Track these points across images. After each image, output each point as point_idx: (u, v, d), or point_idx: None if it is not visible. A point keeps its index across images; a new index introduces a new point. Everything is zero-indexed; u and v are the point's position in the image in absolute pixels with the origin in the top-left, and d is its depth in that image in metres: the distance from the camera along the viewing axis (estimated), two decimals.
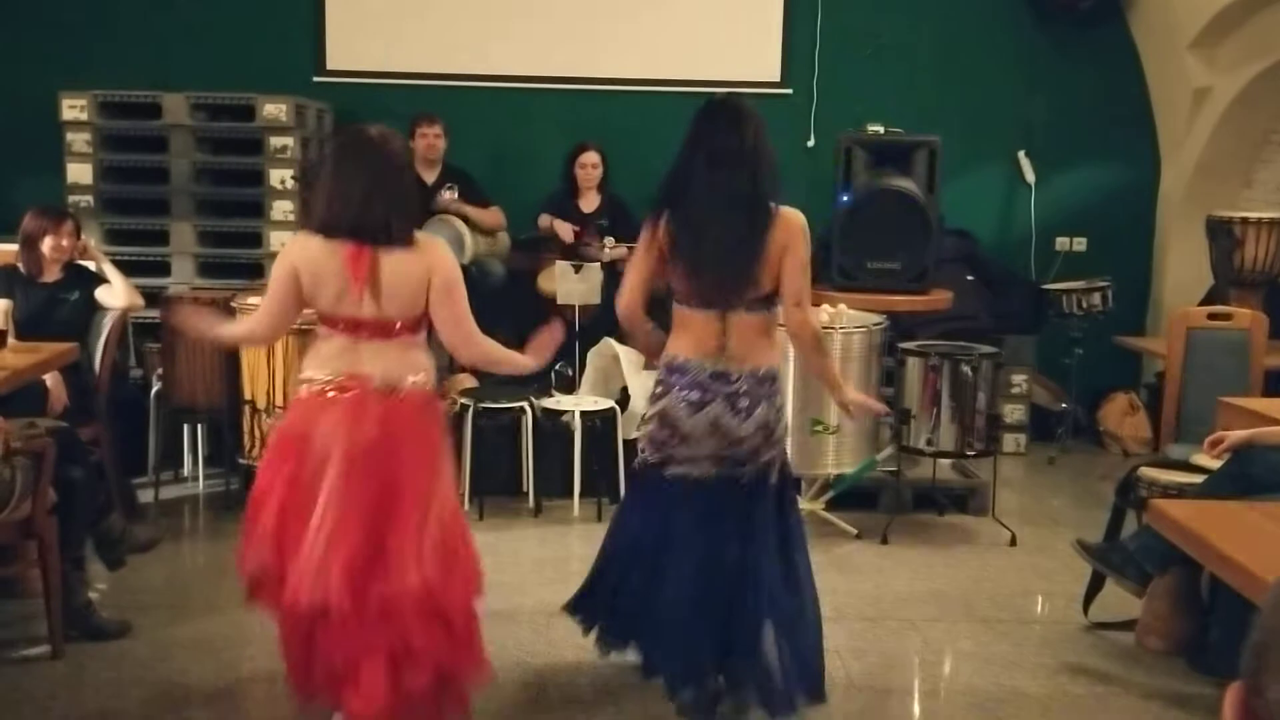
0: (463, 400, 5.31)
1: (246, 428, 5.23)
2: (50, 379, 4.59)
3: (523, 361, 3.28)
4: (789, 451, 3.54)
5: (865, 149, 5.95)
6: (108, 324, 4.97)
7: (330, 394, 3.06)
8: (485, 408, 5.28)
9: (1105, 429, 6.86)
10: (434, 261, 3.07)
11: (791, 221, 3.24)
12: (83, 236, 5.11)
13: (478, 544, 3.27)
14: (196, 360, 5.42)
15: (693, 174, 3.25)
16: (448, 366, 5.28)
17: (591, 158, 6.42)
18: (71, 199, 6.21)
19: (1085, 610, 4.25)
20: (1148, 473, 4.25)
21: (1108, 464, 6.39)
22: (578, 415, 5.32)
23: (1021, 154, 7.22)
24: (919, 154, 5.89)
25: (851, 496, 5.35)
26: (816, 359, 3.44)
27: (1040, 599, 4.58)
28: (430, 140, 6.30)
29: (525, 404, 5.34)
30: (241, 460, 5.29)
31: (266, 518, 3.06)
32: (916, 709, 3.69)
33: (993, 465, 5.35)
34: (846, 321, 5.15)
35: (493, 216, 6.41)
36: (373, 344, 3.06)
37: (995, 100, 7.14)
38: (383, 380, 3.06)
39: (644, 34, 7.09)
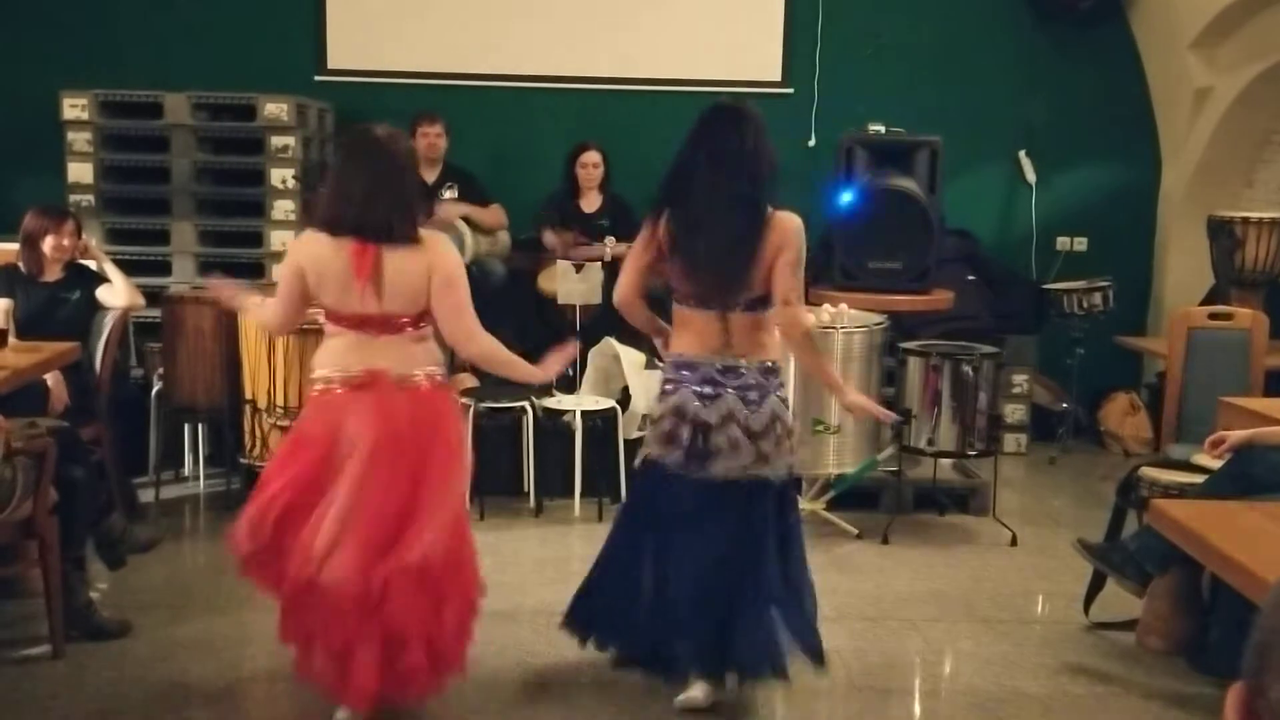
0: (464, 400, 5.30)
1: (247, 427, 5.23)
2: (51, 378, 4.59)
3: (529, 371, 3.36)
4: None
5: (866, 149, 5.95)
6: (109, 323, 4.97)
7: (349, 389, 3.14)
8: (486, 407, 5.28)
9: (1106, 429, 6.86)
10: (435, 258, 3.14)
11: (786, 225, 3.29)
12: (84, 236, 5.11)
13: (478, 544, 3.35)
14: (197, 360, 5.42)
15: (693, 175, 3.30)
16: (448, 365, 5.27)
17: (592, 157, 6.42)
18: (72, 198, 6.21)
19: (1086, 610, 4.24)
20: (1148, 473, 4.25)
21: (1108, 464, 6.39)
22: (578, 415, 5.33)
23: (1022, 154, 7.22)
24: (920, 154, 5.89)
25: (852, 496, 5.35)
26: (808, 357, 3.53)
27: (1041, 599, 4.58)
28: (431, 139, 6.30)
29: (526, 404, 5.34)
30: (242, 460, 5.29)
31: (274, 499, 3.13)
32: (917, 709, 3.69)
33: (993, 465, 5.35)
34: (848, 321, 5.15)
35: (493, 215, 6.41)
36: (383, 339, 3.14)
37: (996, 100, 7.14)
38: (397, 374, 3.15)
39: (645, 33, 7.09)
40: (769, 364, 3.37)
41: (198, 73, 6.62)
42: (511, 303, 6.18)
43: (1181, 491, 3.95)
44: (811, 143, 7.04)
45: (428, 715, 3.41)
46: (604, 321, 5.53)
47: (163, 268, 6.28)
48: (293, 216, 6.27)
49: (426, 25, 7.05)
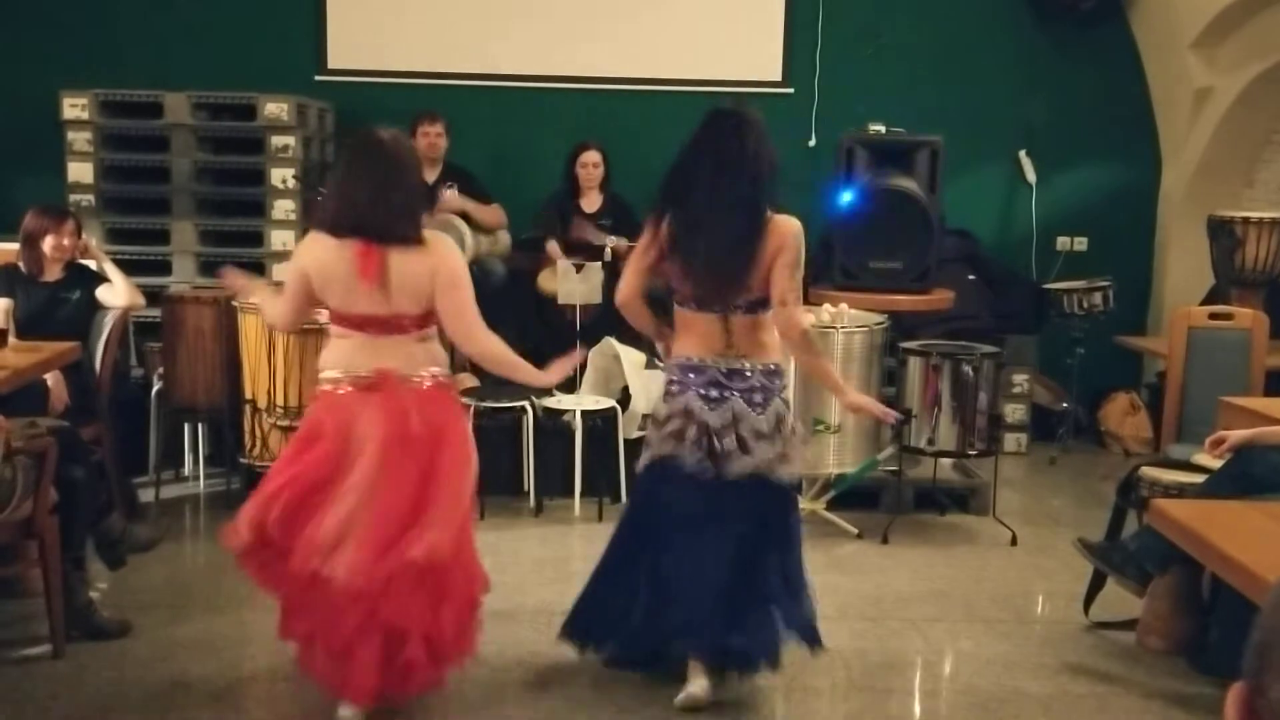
0: (464, 399, 5.30)
1: (247, 427, 5.23)
2: (51, 378, 4.59)
3: (532, 374, 3.39)
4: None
5: (867, 148, 5.95)
6: (109, 323, 4.97)
7: (358, 390, 3.18)
8: (486, 407, 5.28)
9: (1106, 429, 6.86)
10: (440, 259, 3.20)
11: (785, 229, 3.33)
12: (84, 235, 5.11)
13: (479, 543, 3.39)
14: (197, 360, 5.42)
15: (694, 177, 3.33)
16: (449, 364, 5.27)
17: (592, 157, 6.41)
18: (72, 198, 6.21)
19: (1086, 610, 4.24)
20: (1149, 472, 4.25)
21: (1109, 464, 6.39)
22: (579, 415, 5.32)
23: (1022, 154, 7.21)
24: (921, 154, 5.89)
25: (852, 496, 5.35)
26: (806, 357, 3.57)
27: (1041, 599, 4.58)
28: (432, 139, 6.30)
29: (526, 403, 5.34)
30: (242, 460, 5.29)
31: (277, 494, 3.16)
32: (917, 709, 3.69)
33: (994, 465, 5.35)
34: (848, 321, 5.15)
35: (493, 215, 6.40)
36: (389, 339, 3.19)
37: (996, 100, 7.14)
38: (403, 374, 3.20)
39: (646, 33, 7.08)
40: (772, 366, 3.41)
41: (198, 72, 6.62)
42: (511, 303, 6.18)
43: (1181, 491, 3.95)
44: (812, 142, 7.04)
45: (428, 714, 3.41)
46: (604, 321, 5.53)
47: (163, 267, 6.28)
48: (293, 216, 6.28)
49: (427, 25, 7.04)
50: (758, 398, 3.37)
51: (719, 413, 3.35)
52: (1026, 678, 3.78)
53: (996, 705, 3.58)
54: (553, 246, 6.33)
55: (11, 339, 4.49)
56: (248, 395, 5.18)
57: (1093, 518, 4.93)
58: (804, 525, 3.71)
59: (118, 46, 6.87)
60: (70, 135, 6.25)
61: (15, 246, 4.92)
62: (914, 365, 5.10)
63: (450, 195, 6.25)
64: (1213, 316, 5.34)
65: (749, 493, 3.36)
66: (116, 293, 4.97)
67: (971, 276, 6.79)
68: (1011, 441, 6.52)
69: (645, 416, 5.12)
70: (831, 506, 5.30)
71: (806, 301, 3.95)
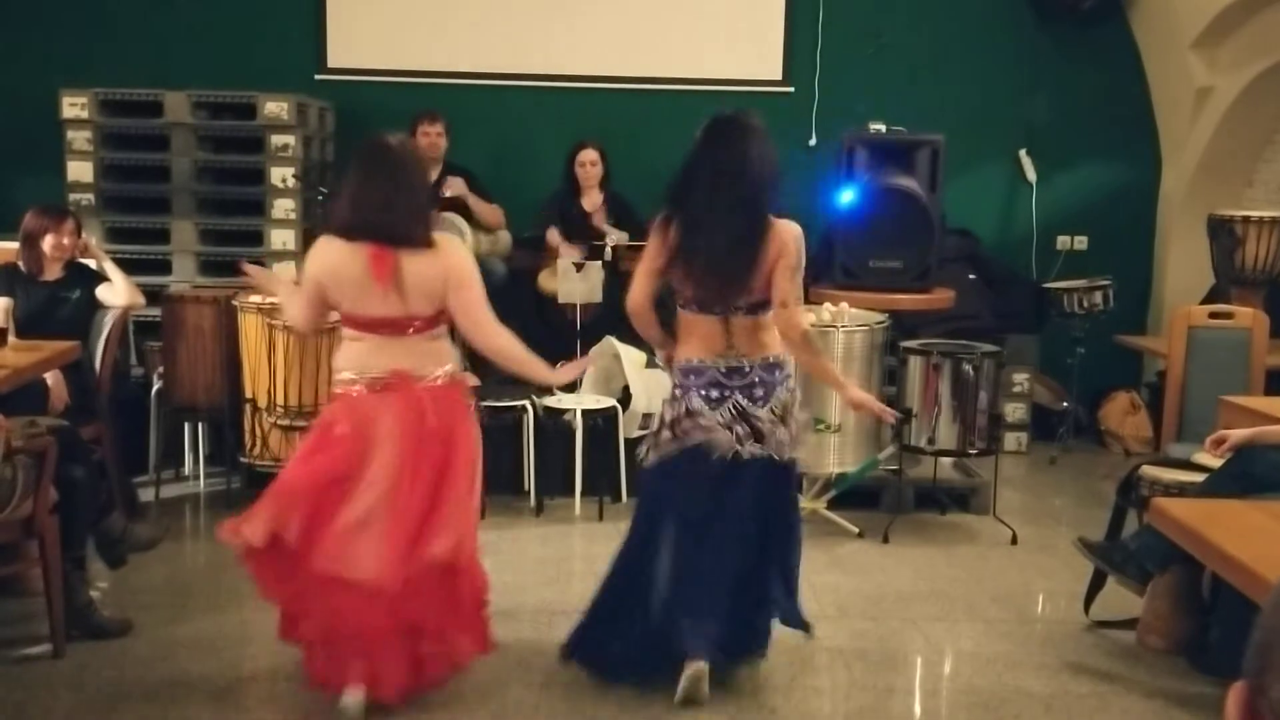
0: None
1: (247, 426, 5.23)
2: (51, 378, 4.59)
3: (543, 371, 3.46)
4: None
5: (867, 148, 5.95)
6: (109, 322, 4.97)
7: (374, 391, 3.24)
8: (487, 406, 5.28)
9: (1106, 428, 6.86)
10: (450, 260, 3.31)
11: (785, 233, 3.39)
12: (84, 235, 5.11)
13: (479, 542, 3.44)
14: (197, 359, 5.42)
15: (697, 182, 3.39)
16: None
17: (590, 155, 6.41)
18: (72, 197, 6.21)
19: (1086, 609, 4.24)
20: (1149, 471, 4.25)
21: (1109, 463, 6.39)
22: (579, 414, 5.32)
23: (1023, 153, 7.21)
24: (921, 153, 5.89)
25: (853, 495, 5.35)
26: (806, 357, 3.61)
27: (1041, 598, 4.58)
28: (432, 139, 6.30)
29: (527, 402, 5.34)
30: (242, 459, 5.29)
31: (294, 496, 3.19)
32: (918, 708, 3.68)
33: (994, 464, 5.35)
34: (849, 320, 5.15)
35: (493, 214, 6.40)
36: (402, 340, 3.26)
37: (996, 99, 7.14)
38: (418, 374, 3.27)
39: (645, 32, 7.08)
40: (771, 359, 3.47)
41: (198, 71, 6.62)
42: (512, 302, 6.15)
43: (1182, 490, 3.95)
44: (812, 142, 7.04)
45: (430, 713, 3.41)
46: (604, 321, 5.53)
47: (163, 266, 6.28)
48: (293, 215, 6.28)
49: (427, 24, 7.04)
50: (758, 392, 3.44)
51: (717, 413, 3.41)
52: (1027, 677, 3.78)
53: (997, 704, 3.58)
54: (553, 234, 6.34)
55: (11, 338, 4.49)
56: (248, 394, 5.18)
57: (1093, 517, 4.93)
58: (805, 525, 3.75)
59: (117, 46, 6.87)
60: (70, 134, 6.26)
61: (15, 246, 4.92)
62: (914, 364, 5.10)
63: (456, 182, 6.23)
64: (1213, 316, 5.34)
65: (756, 483, 3.43)
66: (116, 292, 4.97)
67: (972, 276, 6.79)
68: (1012, 441, 6.53)
69: (646, 416, 5.13)
70: (832, 506, 5.30)
71: (807, 301, 3.97)
